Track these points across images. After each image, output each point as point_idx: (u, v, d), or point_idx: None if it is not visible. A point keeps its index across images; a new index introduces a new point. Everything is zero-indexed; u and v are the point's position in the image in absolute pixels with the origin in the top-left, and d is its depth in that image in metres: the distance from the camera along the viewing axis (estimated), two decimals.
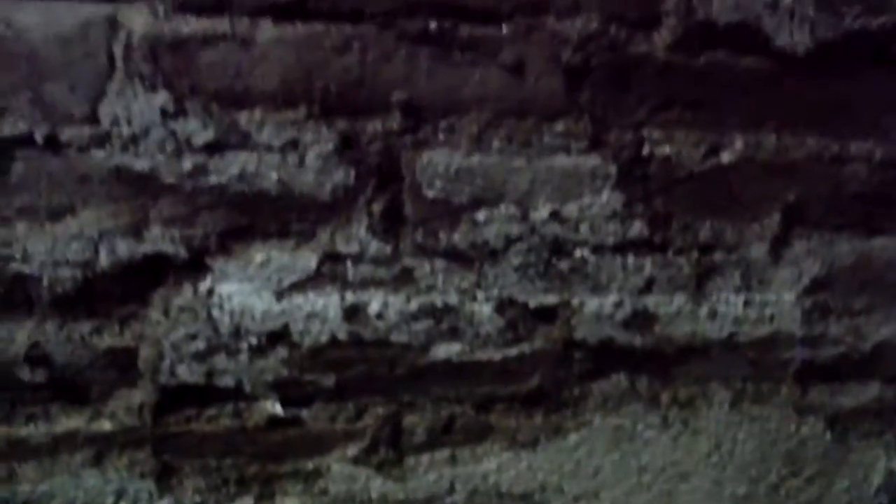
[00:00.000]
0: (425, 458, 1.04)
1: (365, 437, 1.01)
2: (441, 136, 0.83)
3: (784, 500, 1.19)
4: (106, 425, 0.96)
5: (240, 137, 0.80)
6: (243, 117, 0.79)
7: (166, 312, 0.89)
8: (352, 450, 1.02)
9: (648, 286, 0.95)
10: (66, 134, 0.78)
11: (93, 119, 0.77)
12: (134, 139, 0.78)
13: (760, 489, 1.16)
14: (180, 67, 0.77)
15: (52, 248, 0.83)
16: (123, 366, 0.92)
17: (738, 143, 0.89)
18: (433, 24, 0.78)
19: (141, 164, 0.80)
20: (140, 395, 0.94)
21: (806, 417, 1.12)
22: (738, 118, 0.89)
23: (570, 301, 0.94)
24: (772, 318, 1.01)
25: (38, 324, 0.88)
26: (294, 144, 0.81)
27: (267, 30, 0.77)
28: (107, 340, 0.90)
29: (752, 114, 0.89)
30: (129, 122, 0.77)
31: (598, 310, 0.95)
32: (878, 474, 1.19)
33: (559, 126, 0.84)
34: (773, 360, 1.05)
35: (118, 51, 0.75)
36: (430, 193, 0.85)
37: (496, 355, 0.96)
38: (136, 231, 0.84)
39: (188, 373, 0.92)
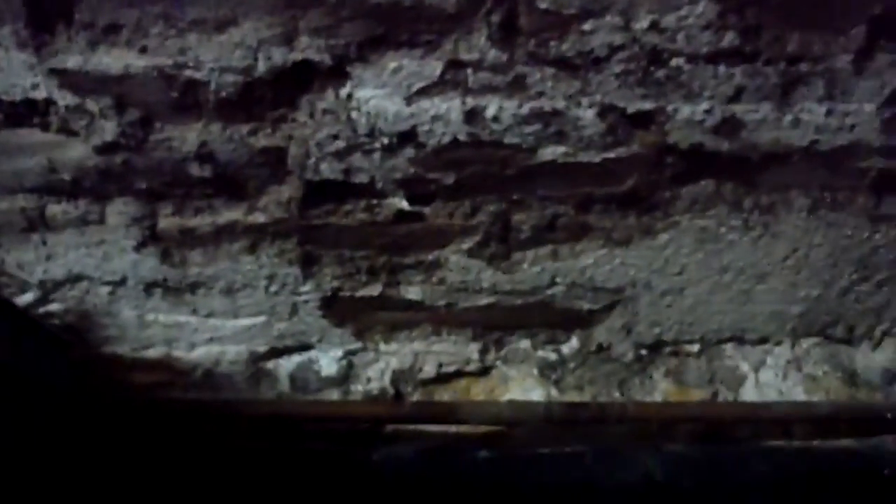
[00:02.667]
0: (530, 253, 1.19)
1: (478, 232, 1.16)
2: None
3: (853, 304, 1.30)
4: (260, 217, 1.12)
5: None
6: None
7: (312, 115, 1.03)
8: (467, 243, 1.17)
9: (737, 94, 1.05)
10: None
11: None
12: None
13: (832, 292, 1.28)
14: None
15: (218, 56, 0.97)
16: (275, 163, 1.07)
17: None
18: None
19: None
20: (288, 190, 1.10)
21: (879, 226, 1.22)
22: None
23: (665, 108, 1.05)
24: (852, 127, 1.09)
25: (206, 125, 1.04)
26: None
27: None
28: (262, 140, 1.05)
29: None
30: None
31: (690, 116, 1.06)
32: None
33: None
34: (851, 169, 1.14)
35: None
36: (542, 5, 0.96)
37: (596, 158, 1.08)
38: (288, 40, 0.97)
39: (329, 170, 1.07)
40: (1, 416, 0.99)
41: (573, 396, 1.27)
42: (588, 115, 1.05)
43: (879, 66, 1.05)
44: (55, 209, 1.10)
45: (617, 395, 1.28)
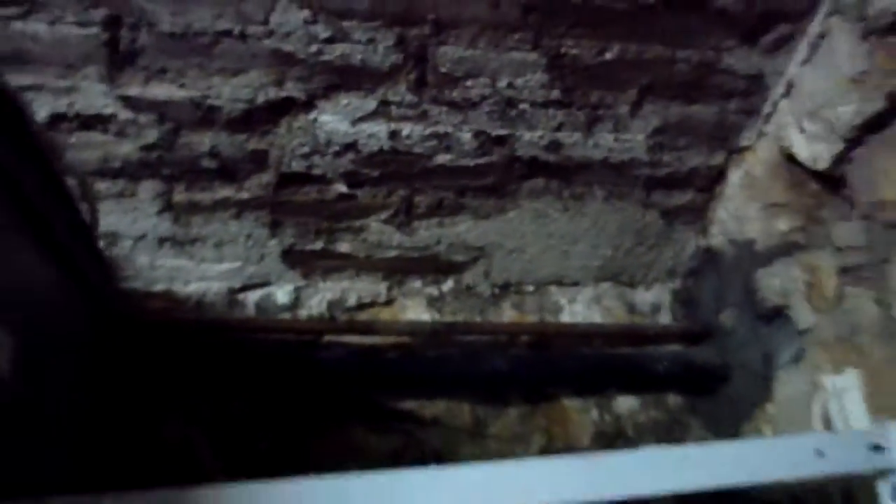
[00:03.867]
0: (424, 222, 1.78)
1: (391, 208, 1.73)
2: (451, 39, 1.50)
3: (633, 261, 1.97)
4: (245, 195, 1.65)
5: (343, 35, 1.45)
6: (346, 24, 1.44)
7: (289, 130, 1.56)
8: (383, 215, 1.74)
9: (559, 127, 1.67)
10: (249, 30, 1.42)
11: (266, 22, 1.42)
12: (287, 34, 1.43)
13: (620, 253, 1.94)
14: None
15: (232, 92, 1.49)
16: (260, 160, 1.60)
17: (616, 48, 1.58)
18: None
19: (287, 47, 1.45)
20: (267, 177, 1.63)
21: (648, 210, 1.88)
22: (616, 33, 1.56)
23: (514, 133, 1.65)
24: (630, 149, 1.74)
25: (216, 133, 1.55)
26: (372, 40, 1.47)
27: None
28: (252, 145, 1.57)
29: (625, 31, 1.57)
30: (287, 24, 1.42)
31: (530, 139, 1.66)
32: (691, 247, 1.98)
33: (517, 35, 1.52)
34: (630, 174, 1.79)
35: None
36: (442, 69, 1.53)
37: (471, 162, 1.68)
38: (280, 83, 1.49)
39: (296, 165, 1.61)
40: (59, 326, 1.48)
41: (449, 318, 1.88)
42: (467, 136, 1.63)
43: (645, 112, 1.70)
44: (101, 185, 1.58)
45: (478, 318, 1.90)
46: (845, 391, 1.46)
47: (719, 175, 1.86)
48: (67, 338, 1.34)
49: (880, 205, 1.47)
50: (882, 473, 1.19)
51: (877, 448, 1.17)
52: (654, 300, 2.03)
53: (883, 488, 1.20)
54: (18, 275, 1.10)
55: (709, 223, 1.94)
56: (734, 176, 1.85)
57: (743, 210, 1.84)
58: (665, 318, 2.02)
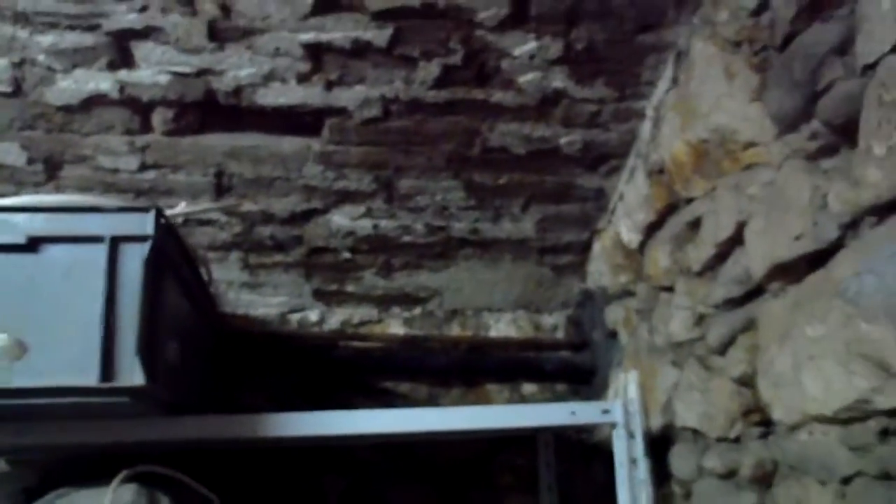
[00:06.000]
0: (398, 273, 2.90)
1: (377, 266, 2.87)
2: (405, 175, 2.61)
3: (538, 296, 3.07)
4: (290, 259, 2.81)
5: (343, 176, 2.58)
6: (345, 170, 2.58)
7: (314, 224, 2.71)
8: (373, 270, 2.88)
9: (476, 220, 2.78)
10: (291, 175, 2.57)
11: (300, 171, 2.56)
12: (312, 177, 2.57)
13: (527, 292, 3.04)
14: None
15: (282, 206, 2.64)
16: (298, 241, 2.75)
17: (506, 177, 2.67)
18: None
19: (312, 183, 2.59)
20: (302, 249, 2.78)
21: (543, 266, 2.98)
22: (504, 169, 2.66)
23: (449, 224, 2.77)
24: (523, 231, 2.83)
25: (273, 227, 2.70)
26: (360, 178, 2.59)
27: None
28: (294, 232, 2.72)
29: (509, 168, 2.66)
30: (311, 172, 2.56)
31: (458, 227, 2.77)
32: (576, 289, 3.07)
33: (444, 173, 2.62)
34: (527, 246, 2.89)
35: None
36: (402, 192, 2.65)
37: (422, 241, 2.80)
38: (308, 201, 2.64)
39: (319, 243, 2.76)
40: (192, 334, 2.65)
41: (417, 332, 3.01)
42: (420, 226, 2.75)
43: (531, 210, 2.78)
44: (210, 254, 2.75)
45: (436, 332, 3.03)
46: (629, 383, 2.53)
47: (587, 245, 2.94)
48: (196, 340, 2.51)
49: (648, 275, 2.55)
50: (611, 426, 2.28)
51: (605, 411, 2.26)
52: (554, 322, 3.12)
53: (614, 435, 2.29)
54: (178, 311, 2.25)
55: (585, 274, 3.03)
56: (596, 246, 2.93)
57: (601, 268, 2.92)
58: (561, 334, 3.12)
